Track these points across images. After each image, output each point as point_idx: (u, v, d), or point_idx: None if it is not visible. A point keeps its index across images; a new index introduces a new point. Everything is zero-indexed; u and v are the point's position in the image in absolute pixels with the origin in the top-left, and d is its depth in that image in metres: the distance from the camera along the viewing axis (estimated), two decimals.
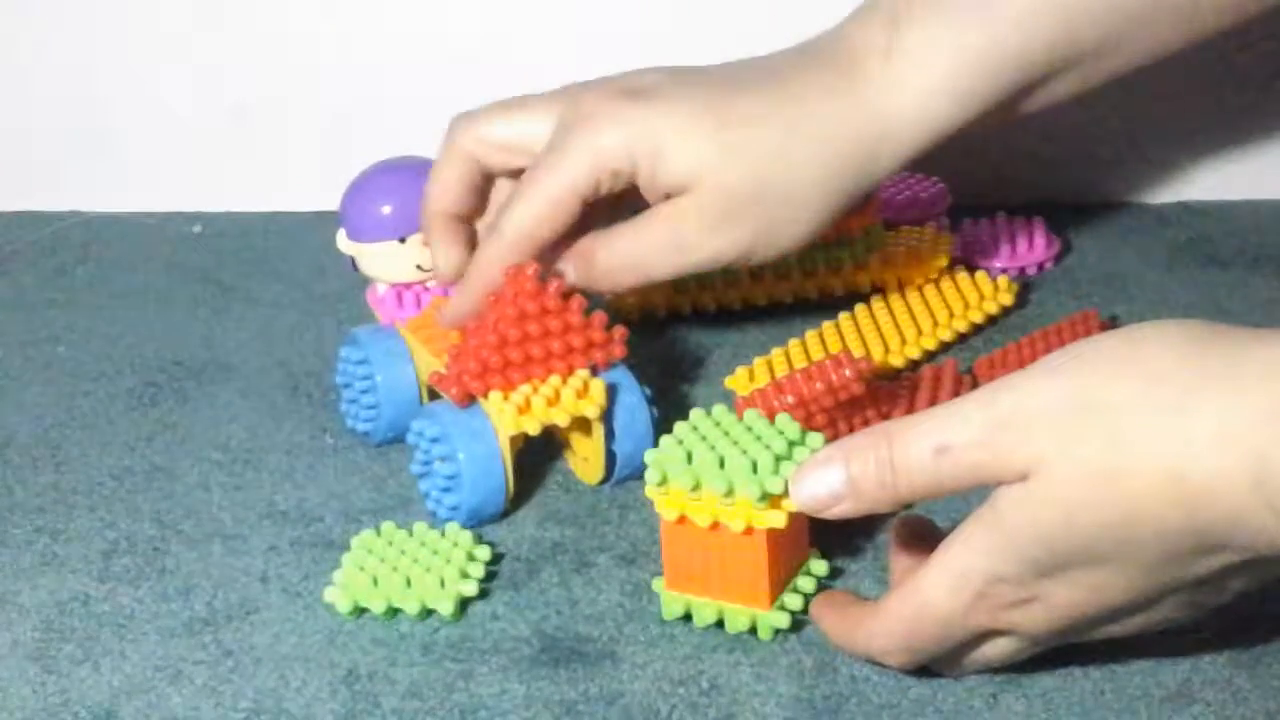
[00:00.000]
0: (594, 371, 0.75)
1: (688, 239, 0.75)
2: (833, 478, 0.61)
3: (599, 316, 0.74)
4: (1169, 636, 0.66)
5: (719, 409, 0.68)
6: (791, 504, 0.65)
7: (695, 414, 0.68)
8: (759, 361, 0.83)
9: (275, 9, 1.01)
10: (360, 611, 0.70)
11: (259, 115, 1.02)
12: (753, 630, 0.67)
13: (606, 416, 0.75)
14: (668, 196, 0.74)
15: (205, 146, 1.03)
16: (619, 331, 0.75)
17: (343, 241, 0.80)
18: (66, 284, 0.98)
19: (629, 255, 0.75)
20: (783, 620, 0.67)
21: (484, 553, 0.72)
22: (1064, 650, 0.66)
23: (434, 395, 0.77)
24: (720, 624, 0.68)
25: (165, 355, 0.90)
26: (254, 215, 1.04)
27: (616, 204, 0.76)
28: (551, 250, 0.75)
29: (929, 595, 0.60)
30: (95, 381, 0.88)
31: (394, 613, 0.70)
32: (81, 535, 0.76)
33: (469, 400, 0.74)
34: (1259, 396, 0.54)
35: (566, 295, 0.73)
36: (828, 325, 0.86)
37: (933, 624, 0.60)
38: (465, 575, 0.70)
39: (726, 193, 0.74)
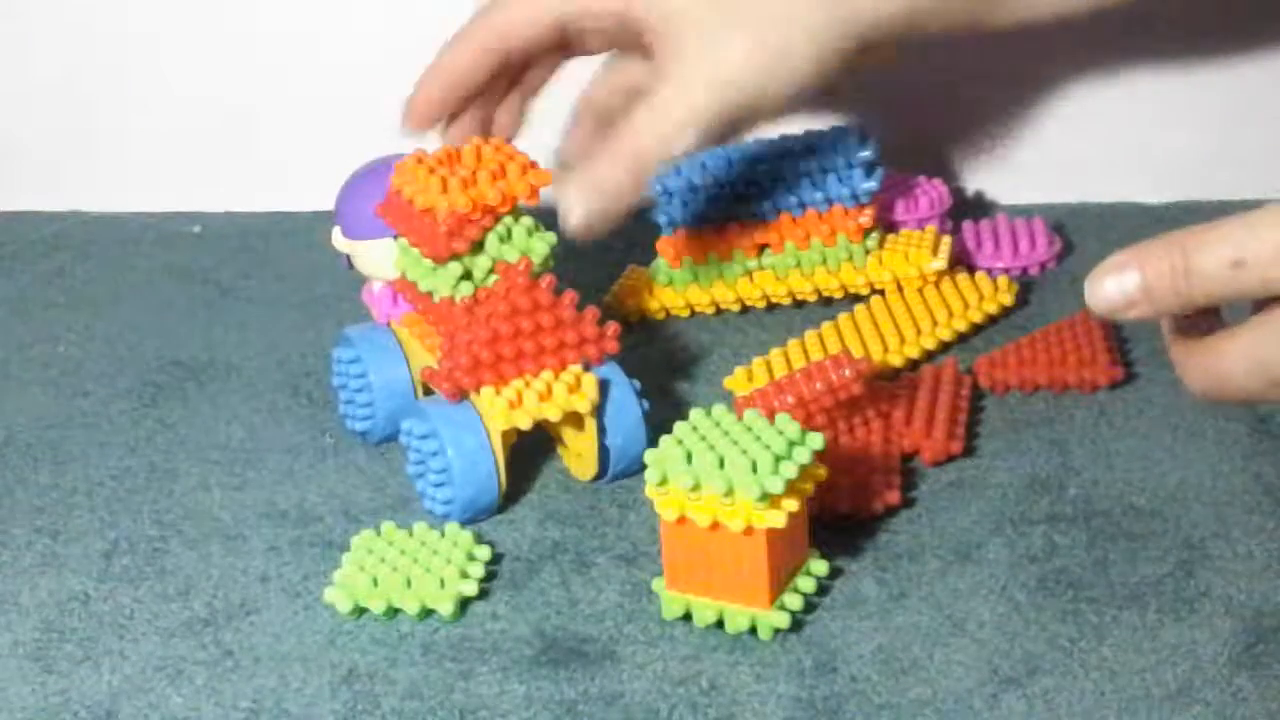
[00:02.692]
0: (586, 367, 0.75)
1: (709, 62, 0.76)
2: (1129, 282, 0.62)
3: (591, 312, 0.75)
4: (1169, 636, 0.66)
5: (719, 409, 0.68)
6: (792, 503, 0.65)
7: (695, 414, 0.68)
8: (758, 361, 0.83)
9: (275, 9, 1.01)
10: (360, 611, 0.70)
11: (259, 115, 1.02)
12: (753, 630, 0.67)
13: (599, 412, 0.75)
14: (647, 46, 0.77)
15: (205, 146, 1.03)
16: (611, 327, 0.75)
17: (338, 239, 0.80)
18: (66, 284, 0.98)
19: (668, 112, 0.76)
20: (783, 620, 0.67)
21: (484, 553, 0.72)
22: (1064, 650, 0.66)
23: (429, 391, 0.77)
24: (720, 624, 0.68)
25: (165, 355, 0.90)
26: (254, 215, 1.04)
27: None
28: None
29: (1229, 369, 0.61)
30: (95, 381, 0.88)
31: (394, 613, 0.70)
32: (81, 535, 0.76)
33: (461, 396, 0.74)
34: None
35: (559, 291, 0.74)
36: (827, 325, 0.86)
37: (1234, 393, 0.62)
38: (465, 575, 0.70)
39: (718, 11, 0.76)
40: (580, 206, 0.76)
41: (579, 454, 0.77)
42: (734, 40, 0.76)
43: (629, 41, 0.80)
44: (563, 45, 0.83)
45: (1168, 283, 0.61)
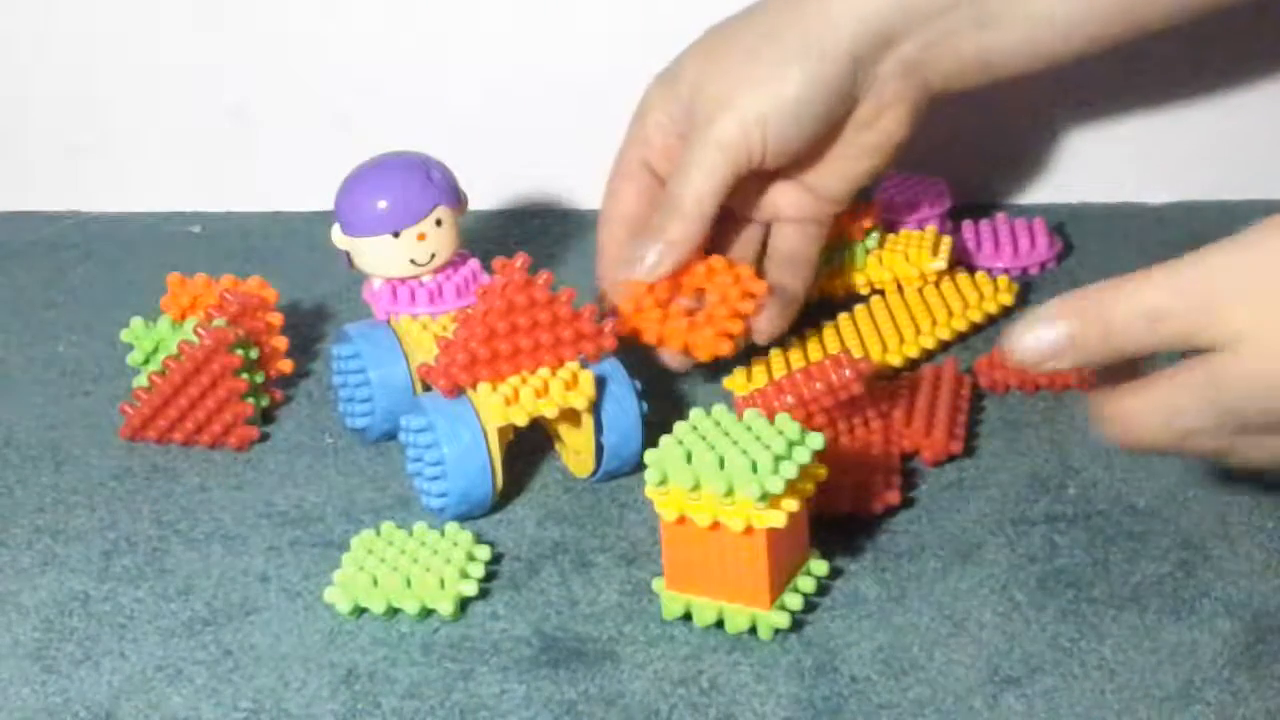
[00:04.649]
0: (584, 364, 0.75)
1: (710, 127, 0.79)
2: (1054, 334, 0.63)
3: (589, 309, 0.75)
4: (1169, 636, 0.66)
5: (719, 409, 0.68)
6: (792, 504, 0.65)
7: (695, 414, 0.68)
8: (758, 361, 0.83)
9: (275, 9, 1.01)
10: (360, 611, 0.70)
11: (259, 115, 1.02)
12: (752, 630, 0.67)
13: (595, 409, 0.75)
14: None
15: (205, 146, 1.03)
16: (610, 324, 0.75)
17: (337, 236, 0.80)
18: (66, 284, 0.98)
19: (680, 175, 0.81)
20: (783, 620, 0.67)
21: (484, 553, 0.72)
22: (1064, 650, 0.66)
23: (428, 388, 0.78)
24: (720, 624, 0.68)
25: None
26: (254, 215, 1.04)
27: None
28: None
29: (1142, 422, 0.63)
30: (95, 381, 0.88)
31: (394, 613, 0.70)
32: (81, 535, 0.76)
33: (457, 392, 0.74)
34: None
35: (556, 288, 0.74)
36: (827, 325, 0.86)
37: (1147, 445, 0.65)
38: (465, 575, 0.70)
39: (721, 82, 0.80)
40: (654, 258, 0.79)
41: (576, 451, 0.77)
42: (725, 113, 0.79)
43: None
44: None
45: (1091, 336, 0.63)
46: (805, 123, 0.79)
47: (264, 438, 0.82)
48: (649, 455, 0.66)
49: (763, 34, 0.80)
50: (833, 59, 0.78)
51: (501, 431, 0.74)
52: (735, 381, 0.82)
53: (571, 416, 0.75)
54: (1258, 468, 0.65)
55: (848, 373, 0.75)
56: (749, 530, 0.66)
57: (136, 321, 0.84)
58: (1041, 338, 0.64)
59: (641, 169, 0.83)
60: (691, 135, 0.80)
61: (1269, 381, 0.60)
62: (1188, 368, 0.62)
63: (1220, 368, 0.61)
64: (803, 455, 0.66)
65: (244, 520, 0.76)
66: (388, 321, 0.80)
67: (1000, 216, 0.94)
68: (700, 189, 0.79)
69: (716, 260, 0.80)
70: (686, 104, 0.81)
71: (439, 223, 0.79)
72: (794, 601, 0.67)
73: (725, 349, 0.78)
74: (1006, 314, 0.88)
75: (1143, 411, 0.63)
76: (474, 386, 0.74)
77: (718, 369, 0.83)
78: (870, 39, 0.79)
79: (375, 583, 0.70)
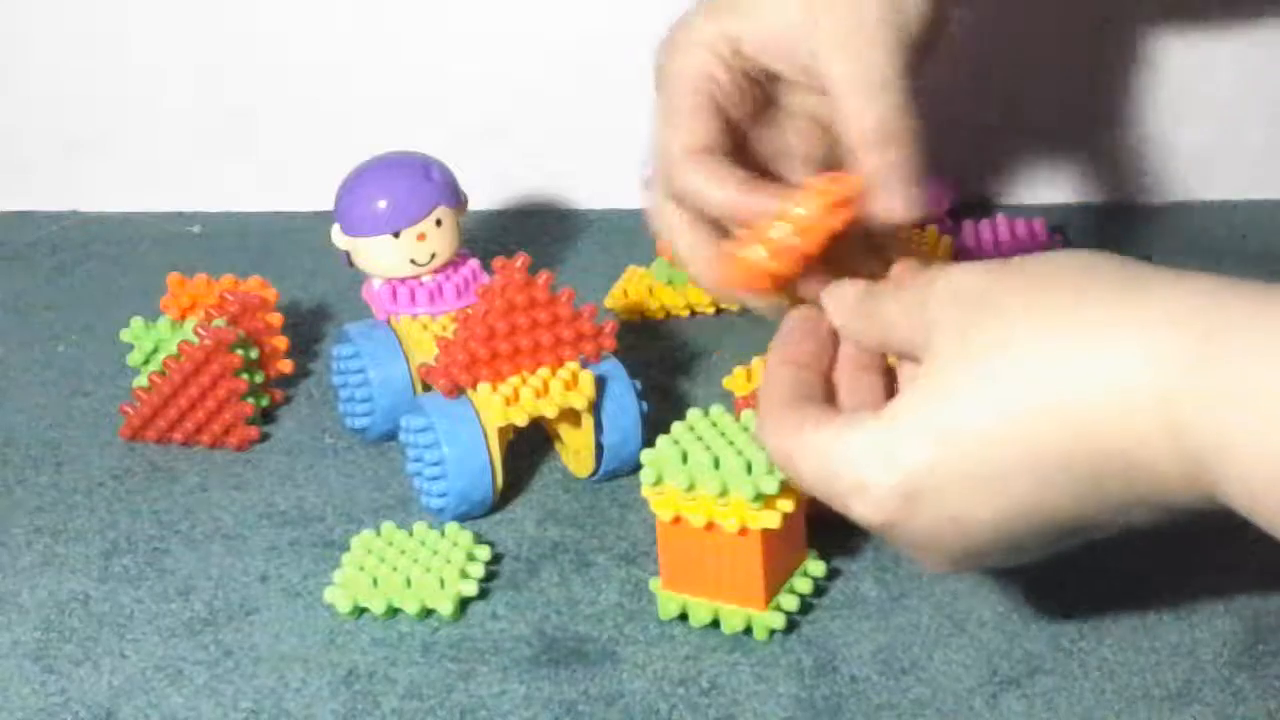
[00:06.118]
0: (584, 364, 0.75)
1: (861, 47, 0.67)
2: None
3: (589, 309, 0.75)
4: (1169, 636, 0.66)
5: (716, 410, 0.68)
6: (787, 504, 0.65)
7: (692, 414, 0.68)
8: (758, 362, 0.83)
9: (275, 9, 1.01)
10: (360, 611, 0.70)
11: (259, 115, 1.02)
12: (748, 630, 0.67)
13: (595, 409, 0.75)
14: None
15: (205, 146, 1.03)
16: (609, 324, 0.75)
17: (338, 236, 0.80)
18: (66, 284, 0.98)
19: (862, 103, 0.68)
20: (778, 621, 0.67)
21: (484, 553, 0.72)
22: (1065, 649, 0.66)
23: (428, 388, 0.78)
24: (717, 624, 0.68)
25: None
26: (254, 215, 1.04)
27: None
28: None
29: (803, 468, 0.59)
30: (95, 381, 0.88)
31: (394, 613, 0.70)
32: (81, 535, 0.76)
33: (457, 392, 0.74)
34: (1176, 329, 0.53)
35: (556, 288, 0.74)
36: None
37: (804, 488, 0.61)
38: (465, 575, 0.70)
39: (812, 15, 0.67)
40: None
41: (576, 451, 0.77)
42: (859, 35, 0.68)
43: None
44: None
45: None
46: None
47: (264, 438, 0.82)
48: (645, 455, 0.66)
49: None
50: None
51: (501, 431, 0.74)
52: (735, 381, 0.82)
53: (571, 416, 0.75)
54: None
55: None
56: (744, 531, 0.66)
57: (136, 321, 0.84)
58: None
59: (709, 113, 0.68)
60: (840, 67, 0.67)
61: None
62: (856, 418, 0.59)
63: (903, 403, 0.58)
64: None
65: (244, 520, 0.77)
66: (388, 321, 0.80)
67: (1000, 216, 0.94)
68: (900, 97, 0.67)
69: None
70: (783, 39, 0.68)
71: (439, 223, 0.79)
72: (790, 602, 0.67)
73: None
74: None
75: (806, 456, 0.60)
76: (474, 386, 0.74)
77: (717, 370, 0.83)
78: None
79: (375, 583, 0.70)
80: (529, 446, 0.78)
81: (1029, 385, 0.54)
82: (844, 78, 0.67)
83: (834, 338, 0.63)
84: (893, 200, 0.65)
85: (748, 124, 0.70)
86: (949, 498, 0.56)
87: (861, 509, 0.57)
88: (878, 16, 0.68)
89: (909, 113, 0.67)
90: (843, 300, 0.62)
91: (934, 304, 0.58)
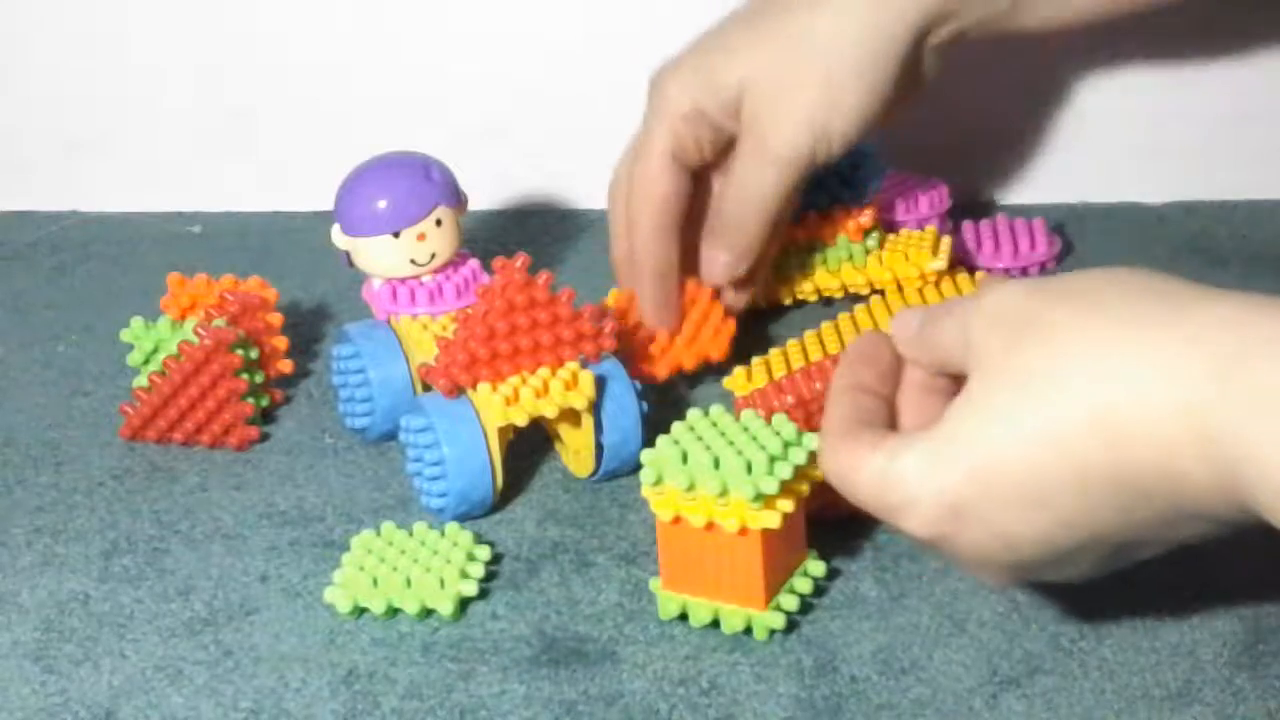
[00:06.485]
0: (584, 364, 0.75)
1: (768, 139, 0.79)
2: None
3: (589, 309, 0.75)
4: (1169, 636, 0.66)
5: (716, 409, 0.68)
6: (787, 504, 0.65)
7: (692, 414, 0.68)
8: (757, 362, 0.83)
9: (275, 9, 1.01)
10: (360, 611, 0.70)
11: (259, 115, 1.02)
12: (748, 630, 0.67)
13: (595, 409, 0.75)
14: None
15: (205, 146, 1.03)
16: (609, 324, 0.75)
17: (337, 236, 0.80)
18: (66, 284, 0.98)
19: (741, 193, 0.81)
20: (778, 621, 0.67)
21: (484, 553, 0.72)
22: (1065, 649, 0.66)
23: (428, 388, 0.78)
24: (717, 624, 0.68)
25: None
26: (254, 215, 1.04)
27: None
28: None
29: (860, 488, 0.61)
30: (95, 381, 0.88)
31: (394, 613, 0.70)
32: (81, 535, 0.76)
33: (457, 392, 0.74)
34: (1206, 344, 0.54)
35: (556, 288, 0.74)
36: (827, 325, 0.85)
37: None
38: (465, 575, 0.70)
39: (774, 78, 0.79)
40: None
41: (576, 451, 0.77)
42: (784, 122, 0.79)
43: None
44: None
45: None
46: (870, 118, 0.80)
47: (264, 438, 0.82)
48: (645, 455, 0.66)
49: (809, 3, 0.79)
50: (901, 41, 0.79)
51: (501, 431, 0.74)
52: (735, 381, 0.82)
53: (571, 416, 0.75)
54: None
55: None
56: (744, 531, 0.66)
57: (136, 321, 0.84)
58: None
59: (666, 162, 0.81)
60: (748, 143, 0.80)
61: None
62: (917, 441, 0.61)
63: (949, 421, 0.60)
64: (798, 456, 0.66)
65: (244, 520, 0.77)
66: (388, 321, 0.80)
67: (1000, 216, 0.94)
68: (766, 209, 0.80)
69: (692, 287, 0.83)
70: (729, 97, 0.79)
71: (439, 223, 0.79)
72: (790, 603, 0.67)
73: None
74: None
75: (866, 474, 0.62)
76: (474, 386, 0.74)
77: (717, 370, 0.83)
78: (931, 18, 0.79)
79: (375, 583, 0.70)
80: (529, 446, 0.78)
81: (1069, 403, 0.56)
82: (751, 151, 0.79)
83: (900, 361, 0.65)
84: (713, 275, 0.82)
85: (711, 165, 0.82)
86: (994, 514, 0.58)
87: (912, 525, 0.60)
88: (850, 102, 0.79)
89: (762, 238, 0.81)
90: (906, 326, 0.64)
91: (976, 325, 0.60)
